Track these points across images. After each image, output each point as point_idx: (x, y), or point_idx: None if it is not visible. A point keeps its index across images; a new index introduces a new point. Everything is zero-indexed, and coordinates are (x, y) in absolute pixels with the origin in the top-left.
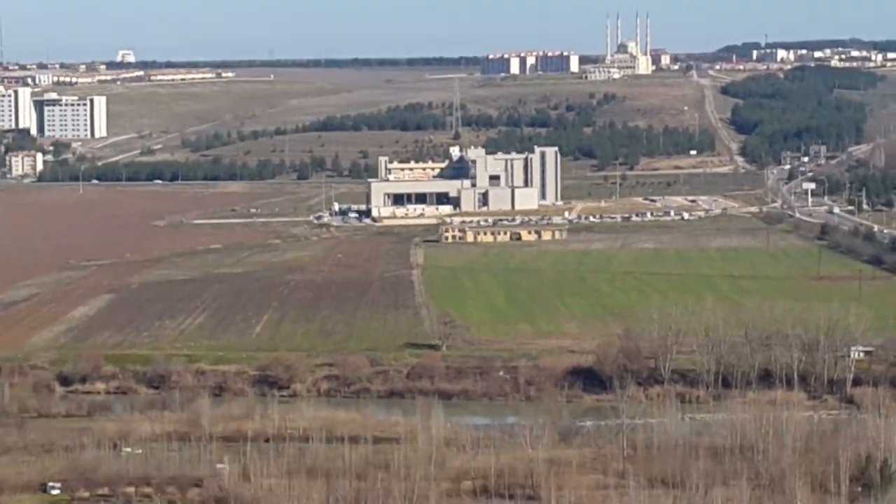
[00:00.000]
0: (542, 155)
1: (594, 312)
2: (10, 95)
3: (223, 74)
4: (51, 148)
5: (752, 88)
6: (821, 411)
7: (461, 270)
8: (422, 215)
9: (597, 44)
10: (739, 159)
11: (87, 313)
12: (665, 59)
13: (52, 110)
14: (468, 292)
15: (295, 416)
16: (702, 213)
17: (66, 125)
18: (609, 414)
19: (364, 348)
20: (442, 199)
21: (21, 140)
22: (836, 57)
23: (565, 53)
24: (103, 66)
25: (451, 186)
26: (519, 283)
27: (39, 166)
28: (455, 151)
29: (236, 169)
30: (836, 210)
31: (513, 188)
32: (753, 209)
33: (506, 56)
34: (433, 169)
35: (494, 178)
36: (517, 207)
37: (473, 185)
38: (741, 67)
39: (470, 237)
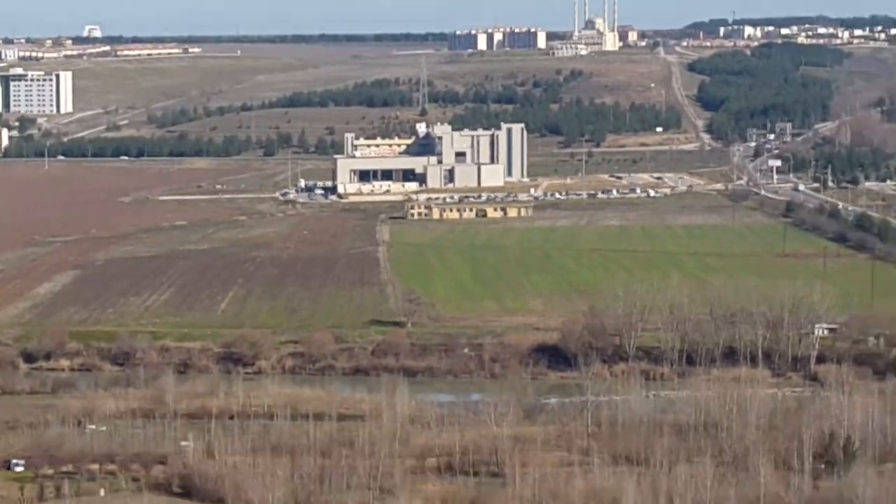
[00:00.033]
0: (509, 132)
1: (560, 289)
2: None
3: (190, 50)
4: (16, 123)
5: (718, 65)
6: (785, 389)
7: (427, 247)
8: (388, 192)
9: (564, 20)
10: (705, 136)
11: (53, 290)
12: (632, 36)
13: (18, 85)
14: (434, 269)
15: (260, 394)
16: (668, 191)
17: (31, 100)
18: (574, 391)
19: (329, 325)
20: (408, 175)
21: None
22: (803, 34)
23: (532, 30)
24: (69, 41)
25: (417, 163)
26: (484, 260)
27: (5, 142)
28: (421, 128)
29: (202, 145)
30: (802, 187)
31: (479, 165)
32: (719, 186)
33: (473, 32)
34: (399, 145)
35: (461, 155)
36: (483, 184)
37: (440, 162)
38: (708, 44)
39: (436, 214)
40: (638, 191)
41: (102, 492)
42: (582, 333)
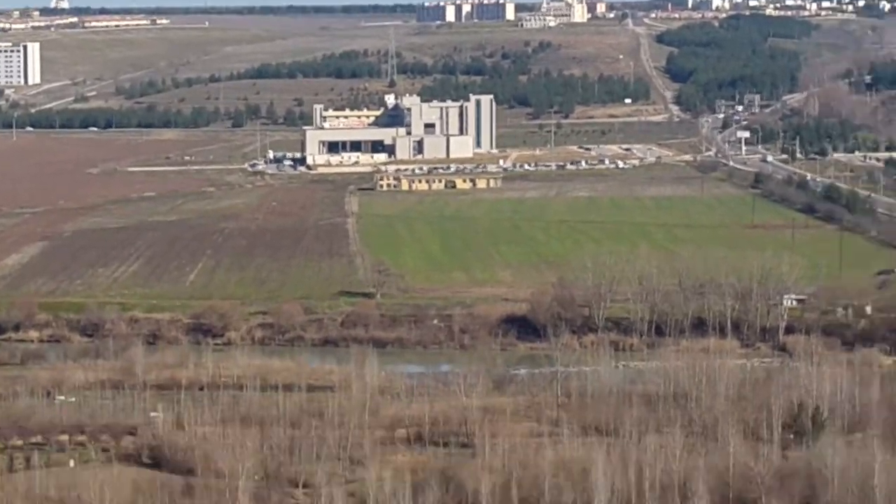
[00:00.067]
0: (478, 103)
1: (529, 261)
2: None
3: (158, 21)
4: None
5: (687, 37)
6: (753, 359)
7: (396, 218)
8: (357, 163)
9: None
10: (674, 108)
11: (21, 261)
12: (600, 8)
13: None
14: (403, 240)
15: (229, 365)
16: (636, 162)
17: None
18: (543, 362)
19: (298, 296)
20: (377, 146)
21: None
22: (771, 6)
23: (501, 1)
24: (37, 13)
25: (386, 134)
26: (453, 231)
27: None
28: (390, 99)
29: (170, 116)
30: (770, 159)
31: (448, 136)
32: (688, 157)
33: (441, 4)
34: (368, 117)
35: (429, 127)
36: (452, 155)
37: (408, 133)
38: (676, 16)
39: (405, 185)
40: (607, 162)
41: (72, 463)
42: (551, 304)
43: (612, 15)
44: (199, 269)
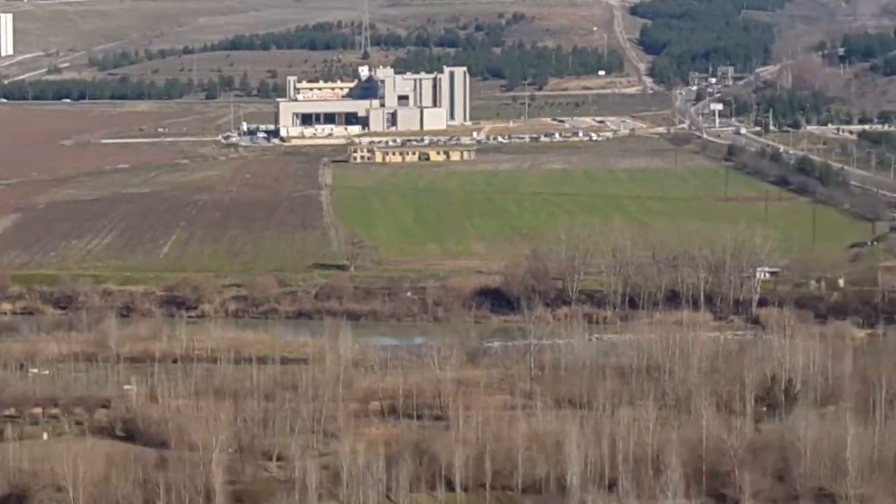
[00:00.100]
0: (451, 75)
1: (502, 233)
2: None
3: None
4: None
5: (660, 9)
6: (727, 332)
7: (369, 191)
8: (330, 135)
9: None
10: (648, 80)
11: None
12: None
13: None
14: (376, 213)
15: (203, 337)
16: (610, 134)
17: None
18: (517, 335)
19: (272, 269)
20: (351, 119)
21: None
22: None
23: None
24: None
25: (359, 106)
26: (427, 203)
27: None
28: (364, 71)
29: (144, 88)
30: (744, 131)
31: (421, 108)
32: (661, 130)
33: None
34: (342, 89)
35: (403, 99)
36: (426, 128)
37: (382, 105)
38: None
39: (378, 157)
40: (580, 134)
41: (45, 435)
42: (525, 277)
43: None
44: (173, 242)
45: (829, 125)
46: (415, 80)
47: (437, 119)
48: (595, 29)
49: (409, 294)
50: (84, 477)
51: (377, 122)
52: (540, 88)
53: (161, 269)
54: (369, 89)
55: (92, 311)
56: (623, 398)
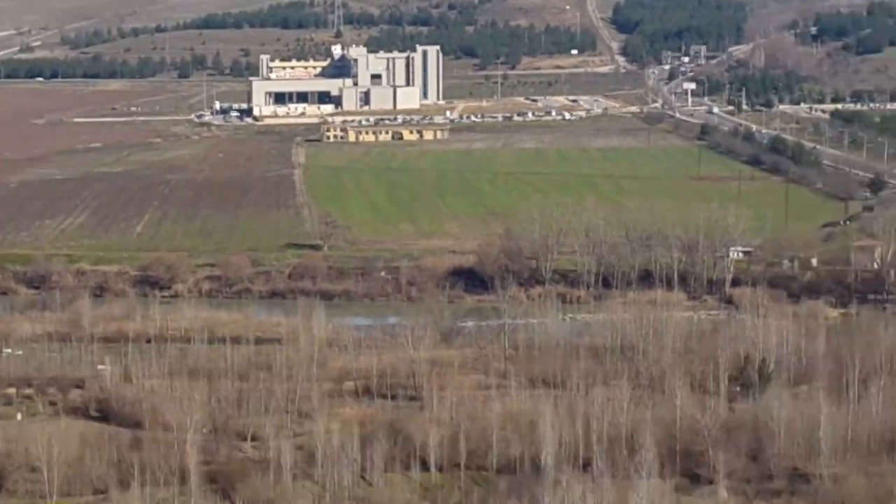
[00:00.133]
0: (424, 54)
1: (475, 212)
2: None
3: None
4: None
5: None
6: (700, 311)
7: (343, 170)
8: (303, 114)
9: None
10: (620, 59)
11: None
12: None
13: None
14: (350, 192)
15: (176, 317)
16: (583, 113)
17: None
18: (490, 314)
19: (245, 248)
20: (324, 98)
21: None
22: None
23: None
24: None
25: (332, 85)
26: (400, 182)
27: None
28: (337, 50)
29: (116, 67)
30: (716, 110)
31: (394, 87)
32: (634, 109)
33: None
34: (315, 68)
35: (376, 78)
36: (399, 107)
37: (355, 84)
38: None
39: (352, 136)
40: (553, 113)
41: (19, 416)
42: (498, 256)
43: None
44: (146, 221)
45: (802, 104)
46: (388, 59)
47: (410, 98)
48: (568, 7)
49: (382, 274)
50: (58, 457)
51: (350, 102)
52: (513, 67)
53: (134, 249)
54: (342, 68)
55: (65, 290)
56: (597, 378)
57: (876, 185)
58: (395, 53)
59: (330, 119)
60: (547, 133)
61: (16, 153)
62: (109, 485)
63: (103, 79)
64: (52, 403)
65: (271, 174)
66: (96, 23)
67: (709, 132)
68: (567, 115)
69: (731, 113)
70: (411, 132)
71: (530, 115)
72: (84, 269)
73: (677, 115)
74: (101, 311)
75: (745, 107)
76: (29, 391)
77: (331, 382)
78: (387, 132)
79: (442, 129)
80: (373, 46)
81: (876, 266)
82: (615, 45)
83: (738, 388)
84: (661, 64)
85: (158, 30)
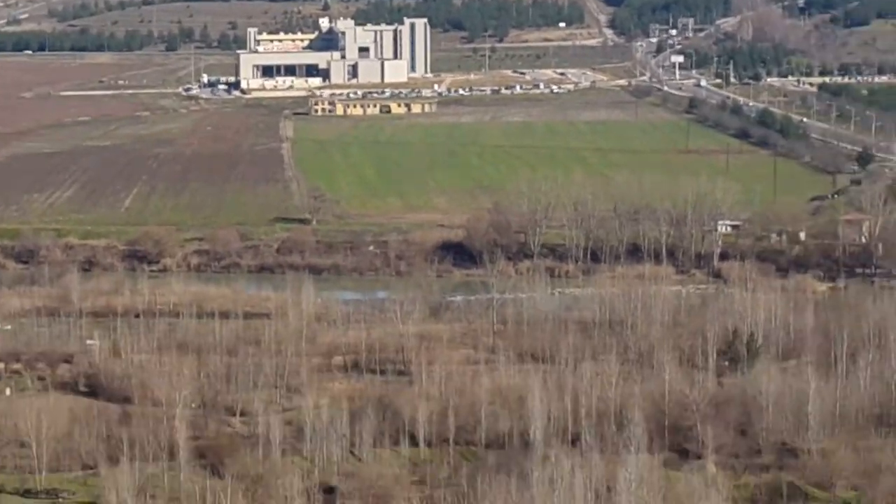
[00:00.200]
0: (412, 27)
1: (464, 186)
2: None
3: None
4: None
5: None
6: (689, 286)
7: (331, 143)
8: (291, 87)
9: None
10: (608, 32)
11: None
12: None
13: None
14: (338, 166)
15: (165, 291)
16: (571, 87)
17: None
18: (479, 289)
19: (234, 222)
20: (311, 71)
21: None
22: None
23: None
24: None
25: (320, 58)
26: (389, 156)
27: None
28: (324, 23)
29: (104, 40)
30: (704, 83)
31: (382, 60)
32: (622, 82)
33: None
34: (302, 41)
35: (364, 50)
36: (387, 80)
37: (343, 57)
38: None
39: (340, 110)
40: (541, 87)
41: (8, 391)
42: (487, 231)
43: None
44: (135, 195)
45: (790, 77)
46: (375, 32)
47: (397, 71)
48: None
49: (371, 248)
50: (48, 432)
51: (338, 75)
52: (500, 40)
53: (123, 223)
54: (330, 41)
55: (54, 265)
56: (586, 353)
57: (864, 159)
58: (383, 26)
59: (318, 92)
60: (535, 106)
61: (3, 127)
62: (99, 460)
63: (91, 52)
64: (41, 378)
65: (259, 148)
66: None
67: (697, 105)
68: (555, 89)
69: (718, 86)
70: (399, 105)
71: (518, 88)
72: (72, 243)
73: (665, 88)
74: (89, 286)
75: (732, 80)
76: (17, 366)
77: (320, 357)
78: (375, 105)
79: (430, 103)
80: (360, 19)
81: (864, 240)
82: (603, 18)
83: (726, 363)
84: (648, 37)
85: (145, 2)
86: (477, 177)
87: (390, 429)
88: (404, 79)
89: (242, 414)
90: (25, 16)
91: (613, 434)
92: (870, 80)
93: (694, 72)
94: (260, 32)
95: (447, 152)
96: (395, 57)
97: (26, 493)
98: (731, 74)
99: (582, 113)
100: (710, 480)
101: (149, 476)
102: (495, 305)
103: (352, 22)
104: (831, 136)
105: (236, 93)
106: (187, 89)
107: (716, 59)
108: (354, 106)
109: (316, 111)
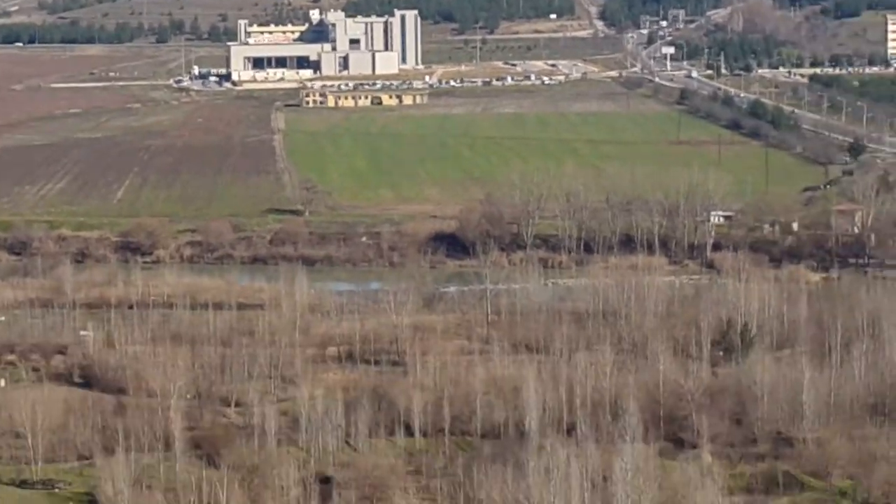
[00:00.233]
0: (402, 18)
1: (455, 177)
2: None
3: None
4: None
5: None
6: (682, 276)
7: (322, 135)
8: (282, 79)
9: None
10: (599, 23)
11: None
12: None
13: None
14: (330, 157)
15: (158, 283)
16: (562, 78)
17: None
18: (472, 279)
19: (226, 214)
20: (302, 62)
21: None
22: None
23: None
24: None
25: (311, 50)
26: (380, 147)
27: None
28: (315, 14)
29: (94, 32)
30: (695, 74)
31: (373, 52)
32: (613, 74)
33: None
34: (293, 32)
35: (355, 42)
36: (378, 72)
37: (334, 49)
38: None
39: (331, 102)
40: (532, 78)
41: (2, 382)
42: (479, 222)
43: None
44: (127, 187)
45: (781, 68)
46: (366, 24)
47: (388, 63)
48: None
49: (363, 239)
50: (43, 423)
51: (329, 66)
52: (491, 32)
53: (115, 215)
54: (320, 33)
55: (46, 256)
56: (580, 343)
57: (855, 150)
58: (374, 18)
59: (309, 84)
60: (526, 98)
61: None
62: (94, 451)
63: (81, 44)
64: (35, 370)
65: (251, 139)
66: None
67: (688, 97)
68: (546, 80)
69: (709, 77)
70: (390, 97)
71: (509, 79)
72: (65, 234)
73: (656, 79)
74: (82, 277)
75: (723, 71)
76: (11, 357)
77: (314, 348)
78: (366, 97)
79: (421, 94)
80: (351, 11)
81: (856, 230)
82: (593, 10)
83: (720, 353)
84: (639, 28)
85: None
86: (468, 168)
87: (385, 419)
88: (395, 70)
89: (237, 404)
90: (15, 8)
91: (608, 424)
92: (860, 71)
93: (685, 63)
94: (250, 24)
95: (439, 144)
96: (386, 49)
97: (22, 484)
98: (722, 66)
99: (573, 104)
100: (705, 470)
101: (144, 467)
102: (489, 296)
103: (342, 14)
104: (823, 127)
105: (227, 85)
106: (178, 81)
107: (707, 50)
108: (346, 98)
109: (307, 103)
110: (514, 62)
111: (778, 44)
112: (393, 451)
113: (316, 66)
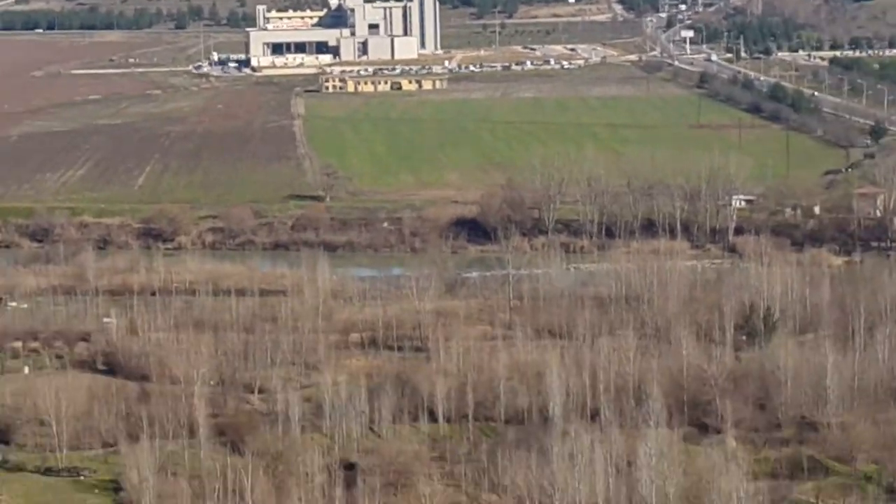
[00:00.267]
0: (421, 3)
1: (476, 162)
2: None
3: None
4: None
5: None
6: (704, 260)
7: (342, 121)
8: (301, 65)
9: None
10: (618, 7)
11: None
12: None
13: None
14: (350, 143)
15: (180, 269)
16: (581, 62)
17: None
18: (494, 265)
19: (247, 200)
20: (321, 48)
21: None
22: None
23: None
24: None
25: (330, 35)
26: (400, 133)
27: None
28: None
29: (113, 18)
30: (715, 58)
31: (392, 37)
32: (632, 57)
33: None
34: (312, 18)
35: (374, 27)
36: (397, 56)
37: (353, 34)
38: None
39: (350, 87)
40: (552, 62)
41: (26, 369)
42: (501, 207)
43: None
44: (148, 173)
45: (800, 52)
46: (385, 9)
47: (408, 48)
48: None
49: (385, 225)
50: (67, 410)
51: (348, 52)
52: (510, 16)
53: (136, 201)
54: (339, 18)
55: (68, 243)
56: (602, 328)
57: (876, 132)
58: (392, 2)
59: (328, 69)
60: (546, 82)
61: (15, 106)
62: (118, 438)
63: (100, 30)
64: (59, 357)
65: (271, 125)
66: None
67: (708, 80)
68: (565, 64)
69: (729, 61)
70: (410, 82)
71: (529, 64)
72: (87, 221)
73: (676, 63)
74: (104, 264)
75: (743, 54)
76: (35, 345)
77: (336, 334)
78: (385, 82)
79: (440, 79)
80: None
81: (878, 213)
82: None
83: (743, 337)
84: (658, 12)
85: None
86: (489, 153)
87: (409, 405)
88: (414, 55)
89: (261, 391)
90: None
91: (632, 409)
92: (881, 53)
93: (704, 46)
94: (269, 10)
95: (458, 129)
96: (405, 33)
97: (47, 471)
98: (742, 49)
99: (593, 88)
100: (730, 455)
101: (169, 454)
102: (511, 281)
103: None
104: (843, 110)
105: (247, 70)
106: (197, 67)
107: (726, 33)
108: (365, 83)
109: (327, 88)
110: (534, 46)
111: (797, 27)
112: (417, 437)
113: (335, 51)
